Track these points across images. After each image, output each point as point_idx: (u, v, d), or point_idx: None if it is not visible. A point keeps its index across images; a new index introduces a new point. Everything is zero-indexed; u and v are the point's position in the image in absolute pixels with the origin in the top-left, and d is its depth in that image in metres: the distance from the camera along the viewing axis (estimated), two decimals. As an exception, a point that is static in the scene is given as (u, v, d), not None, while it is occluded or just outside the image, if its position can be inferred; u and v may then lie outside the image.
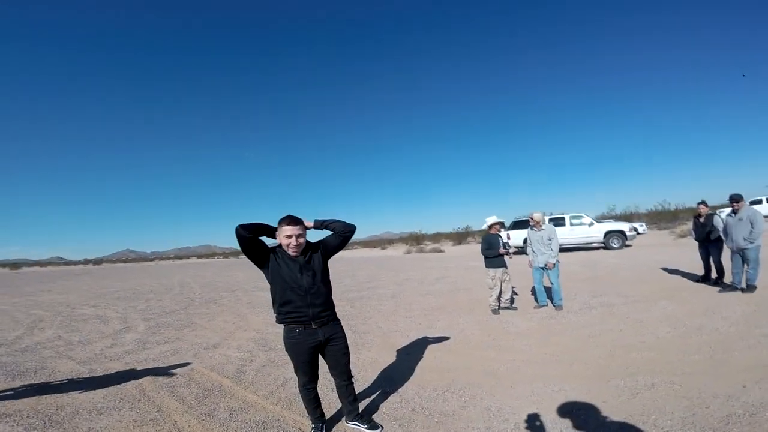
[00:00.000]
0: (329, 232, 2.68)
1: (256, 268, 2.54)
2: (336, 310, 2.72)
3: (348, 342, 2.76)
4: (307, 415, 2.79)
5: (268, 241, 2.60)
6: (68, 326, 7.06)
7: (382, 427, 2.77)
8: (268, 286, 2.53)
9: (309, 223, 2.60)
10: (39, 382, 3.98)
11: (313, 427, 2.74)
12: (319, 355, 2.67)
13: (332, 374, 2.75)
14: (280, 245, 2.54)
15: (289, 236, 2.44)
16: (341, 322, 2.74)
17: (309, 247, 2.58)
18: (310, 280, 2.49)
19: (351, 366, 2.77)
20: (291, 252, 2.47)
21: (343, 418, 2.88)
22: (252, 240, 2.41)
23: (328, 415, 2.93)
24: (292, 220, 2.46)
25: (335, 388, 2.84)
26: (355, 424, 2.79)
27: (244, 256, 2.57)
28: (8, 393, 3.67)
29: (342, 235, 2.63)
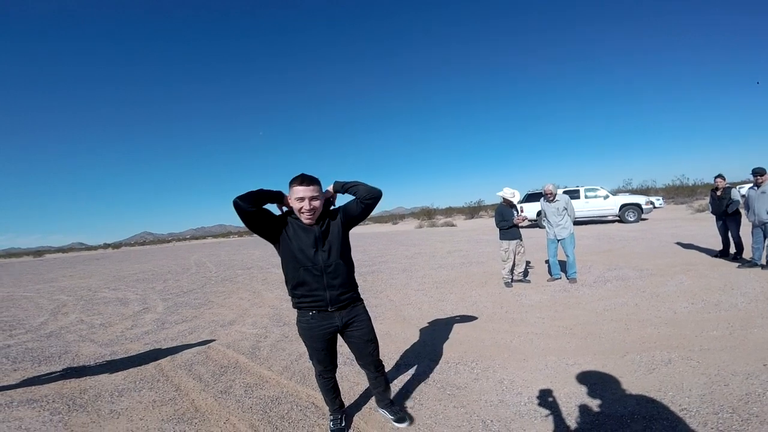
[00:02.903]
0: (350, 198, 2.28)
1: (271, 245, 2.20)
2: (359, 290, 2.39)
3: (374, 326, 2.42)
4: (325, 404, 2.57)
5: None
6: (90, 310, 7.29)
7: (412, 420, 2.51)
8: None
9: (329, 187, 2.27)
10: (63, 366, 4.11)
11: (331, 419, 2.50)
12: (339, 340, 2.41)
13: (359, 364, 2.47)
14: (291, 212, 2.17)
15: (301, 198, 2.05)
16: (364, 303, 2.40)
17: (326, 215, 2.20)
18: (326, 255, 2.13)
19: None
20: (304, 219, 2.10)
21: (365, 407, 2.74)
22: (257, 213, 2.04)
23: (347, 403, 2.77)
24: (304, 179, 2.06)
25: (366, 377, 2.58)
26: (383, 412, 2.57)
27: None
28: (35, 378, 3.80)
29: (364, 202, 2.20)
